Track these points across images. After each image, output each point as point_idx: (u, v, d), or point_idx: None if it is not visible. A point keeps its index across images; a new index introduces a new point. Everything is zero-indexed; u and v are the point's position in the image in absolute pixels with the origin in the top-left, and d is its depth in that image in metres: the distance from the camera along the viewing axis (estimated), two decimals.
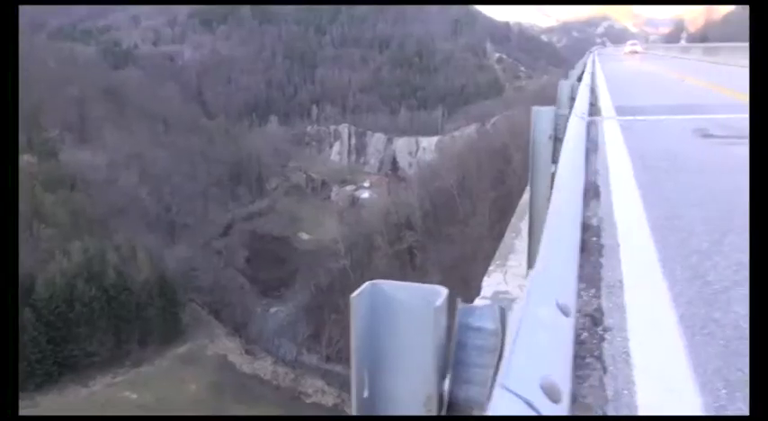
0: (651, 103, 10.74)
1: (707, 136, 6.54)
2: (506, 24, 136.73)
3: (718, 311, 2.38)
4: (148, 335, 39.73)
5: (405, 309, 0.61)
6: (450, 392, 0.63)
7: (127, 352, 38.74)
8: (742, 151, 5.62)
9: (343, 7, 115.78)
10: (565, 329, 0.62)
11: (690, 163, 5.30)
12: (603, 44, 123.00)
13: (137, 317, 39.48)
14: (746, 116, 7.99)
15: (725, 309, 2.40)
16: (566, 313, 0.65)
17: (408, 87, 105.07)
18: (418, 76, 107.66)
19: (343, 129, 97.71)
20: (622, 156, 5.79)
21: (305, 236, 68.74)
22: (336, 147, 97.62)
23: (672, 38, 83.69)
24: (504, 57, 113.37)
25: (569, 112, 4.60)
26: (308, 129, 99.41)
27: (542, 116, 2.56)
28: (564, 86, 4.58)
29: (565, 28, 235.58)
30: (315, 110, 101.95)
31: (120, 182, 52.09)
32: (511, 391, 0.54)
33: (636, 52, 51.88)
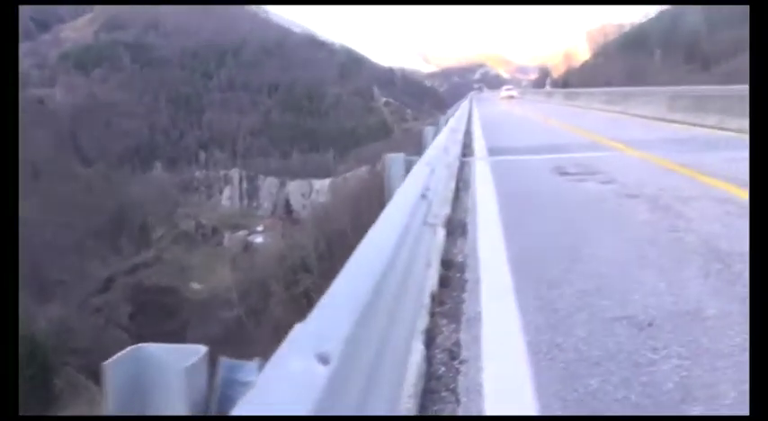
0: (519, 144, 11.64)
1: (563, 173, 7.18)
2: (390, 70, 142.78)
3: (562, 336, 2.60)
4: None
5: (165, 370, 0.63)
6: None
7: None
8: (590, 186, 6.25)
9: (230, 53, 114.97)
10: (317, 377, 0.66)
11: (548, 198, 5.77)
12: (480, 89, 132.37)
13: None
14: (596, 154, 8.91)
15: (567, 333, 2.63)
16: (324, 362, 0.69)
17: (299, 130, 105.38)
18: (309, 119, 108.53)
19: (234, 173, 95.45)
20: (490, 194, 6.21)
21: (196, 285, 65.30)
22: (227, 192, 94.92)
23: (539, 83, 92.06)
24: (391, 100, 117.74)
25: (439, 156, 4.85)
26: (197, 174, 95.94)
27: (395, 162, 2.70)
28: (428, 132, 4.85)
29: (445, 73, 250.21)
30: (203, 155, 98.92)
31: None
32: None
33: (512, 97, 51.65)
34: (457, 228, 4.74)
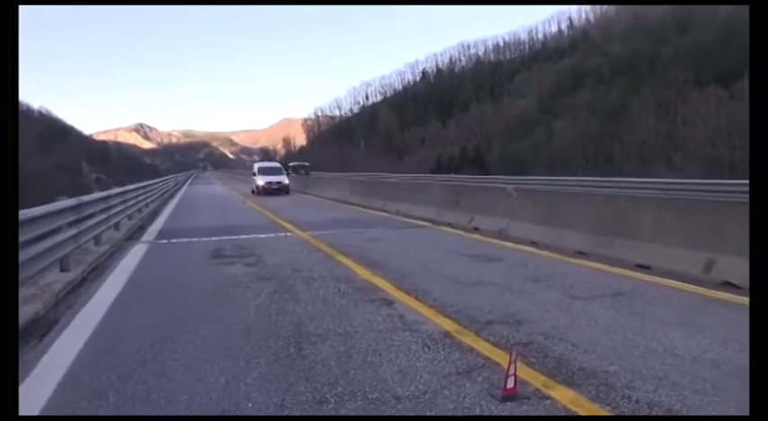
0: (199, 225, 11.23)
1: (218, 256, 6.97)
2: (104, 144, 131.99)
3: None
4: None
5: None
6: None
7: None
8: (234, 270, 6.12)
9: None
10: None
11: (182, 286, 5.41)
12: (204, 168, 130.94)
13: None
14: (263, 235, 9.02)
15: None
16: None
17: None
18: None
19: None
20: (120, 283, 5.59)
21: None
22: None
23: None
24: (104, 177, 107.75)
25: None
26: None
27: None
28: (28, 213, 4.10)
29: (168, 151, 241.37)
30: None
31: None
32: None
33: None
34: (40, 328, 4.00)
